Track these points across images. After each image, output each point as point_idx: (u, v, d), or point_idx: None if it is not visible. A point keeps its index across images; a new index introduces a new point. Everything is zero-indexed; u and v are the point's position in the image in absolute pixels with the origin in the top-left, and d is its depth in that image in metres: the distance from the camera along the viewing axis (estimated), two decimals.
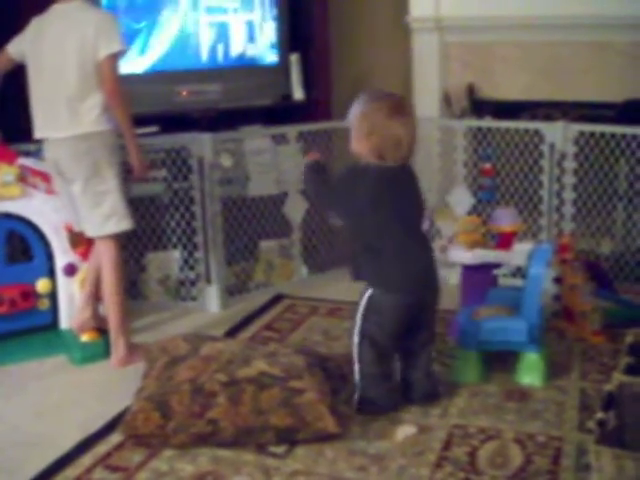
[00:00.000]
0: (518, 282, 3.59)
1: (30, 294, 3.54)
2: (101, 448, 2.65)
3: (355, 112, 2.72)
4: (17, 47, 3.34)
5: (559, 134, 3.94)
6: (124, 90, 3.29)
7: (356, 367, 2.81)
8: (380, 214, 2.73)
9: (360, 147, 2.72)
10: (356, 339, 2.79)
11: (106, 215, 3.32)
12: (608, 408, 2.45)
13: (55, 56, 3.21)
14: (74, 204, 3.39)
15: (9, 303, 3.48)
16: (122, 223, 3.36)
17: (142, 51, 4.18)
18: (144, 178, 3.63)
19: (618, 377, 2.46)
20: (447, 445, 2.61)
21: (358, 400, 2.82)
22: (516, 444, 2.59)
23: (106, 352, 3.42)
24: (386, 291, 2.76)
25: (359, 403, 2.82)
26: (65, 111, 3.23)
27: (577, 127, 3.95)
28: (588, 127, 3.95)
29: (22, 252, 3.67)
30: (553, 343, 3.29)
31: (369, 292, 2.77)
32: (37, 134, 3.34)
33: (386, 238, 2.74)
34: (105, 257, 3.37)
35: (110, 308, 3.38)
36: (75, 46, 3.19)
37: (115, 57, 3.23)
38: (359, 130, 2.70)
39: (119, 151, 3.36)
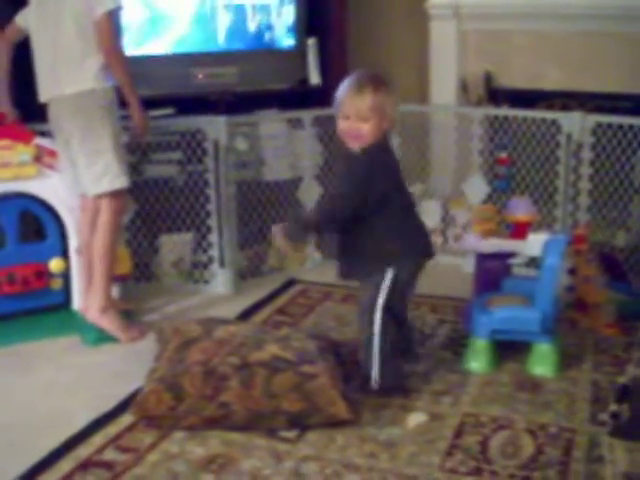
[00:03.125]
0: (532, 272, 3.57)
1: (43, 273, 3.55)
2: (112, 429, 2.65)
3: (368, 102, 2.69)
4: (23, 17, 3.41)
5: (576, 124, 3.91)
6: (122, 47, 3.39)
7: (376, 342, 2.79)
8: (400, 186, 2.85)
9: (375, 132, 2.72)
10: (379, 315, 2.78)
11: (100, 173, 3.34)
12: (622, 400, 2.45)
13: (54, 19, 3.28)
14: (74, 167, 3.41)
15: (22, 282, 3.48)
16: (116, 181, 3.38)
17: (159, 33, 4.17)
18: (143, 138, 3.67)
19: (632, 370, 2.45)
20: (458, 433, 2.60)
21: (380, 375, 2.80)
22: (527, 434, 2.59)
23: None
24: (408, 259, 2.83)
25: (382, 378, 2.80)
26: (66, 71, 3.29)
27: (594, 118, 3.93)
28: (605, 118, 3.92)
29: (35, 232, 3.67)
30: (566, 334, 3.28)
31: (391, 272, 2.78)
32: (41, 98, 3.38)
33: (406, 206, 2.86)
34: (102, 217, 3.40)
35: (97, 267, 3.42)
36: (71, 6, 3.26)
37: (110, 15, 3.28)
38: (375, 117, 2.70)
39: (117, 111, 3.38)
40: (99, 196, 3.39)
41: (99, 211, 3.41)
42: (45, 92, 3.37)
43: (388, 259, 2.80)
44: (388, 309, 2.80)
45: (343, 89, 2.75)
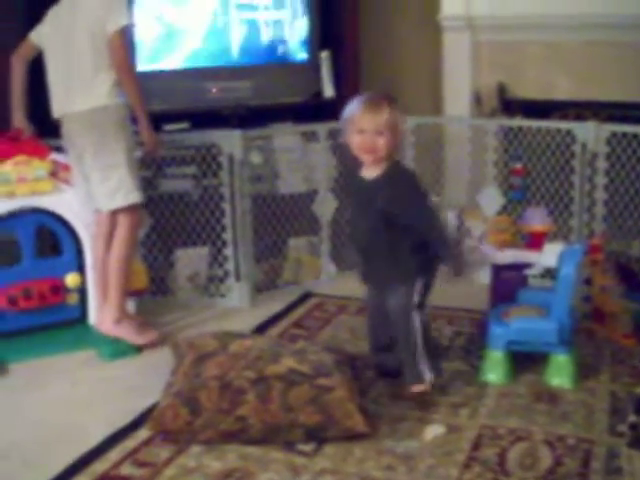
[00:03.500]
0: (548, 283, 3.56)
1: (59, 288, 3.56)
2: (129, 443, 2.65)
3: (385, 116, 2.76)
4: (37, 34, 3.46)
5: (591, 134, 3.90)
6: (133, 64, 3.45)
7: (419, 341, 2.87)
8: None
9: (389, 145, 2.78)
10: (416, 314, 2.87)
11: (114, 188, 3.36)
12: None
13: (67, 36, 3.32)
14: (87, 182, 3.43)
15: (39, 297, 3.50)
16: (130, 196, 3.40)
17: (173, 48, 4.19)
18: (155, 153, 3.67)
19: None
20: (476, 446, 2.59)
21: (430, 368, 2.88)
22: (546, 446, 2.57)
23: (136, 348, 3.44)
24: (434, 261, 2.95)
25: (431, 371, 2.89)
26: (79, 87, 3.32)
27: (609, 127, 3.92)
28: (620, 127, 3.91)
29: (52, 247, 3.68)
30: (583, 345, 3.27)
31: (419, 281, 2.88)
32: (55, 114, 3.42)
33: None
34: (118, 232, 3.43)
35: (112, 281, 3.45)
36: (84, 24, 3.30)
37: (123, 31, 3.31)
38: (390, 132, 2.77)
39: (130, 126, 3.40)
40: (114, 211, 3.41)
41: (115, 226, 3.43)
42: (58, 108, 3.40)
43: (423, 268, 2.89)
44: (420, 307, 2.89)
45: (357, 105, 2.79)
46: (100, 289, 3.53)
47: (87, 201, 3.49)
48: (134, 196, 3.41)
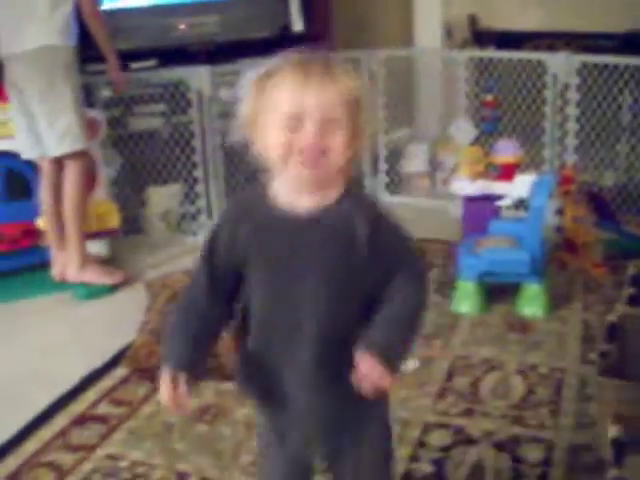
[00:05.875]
0: (520, 214, 3.57)
1: (31, 231, 3.53)
2: (106, 383, 2.67)
3: (341, 90, 1.41)
4: None
5: (562, 65, 3.89)
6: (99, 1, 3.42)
7: None
8: None
9: (349, 146, 1.42)
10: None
11: (62, 133, 3.29)
12: (611, 340, 2.46)
13: None
14: (33, 126, 3.34)
15: (11, 241, 3.48)
16: (77, 144, 3.33)
17: None
18: (123, 93, 3.65)
19: (620, 308, 2.45)
20: (450, 376, 2.62)
21: None
22: (518, 375, 2.61)
23: (109, 287, 3.43)
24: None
25: None
26: (31, 25, 3.20)
27: (580, 57, 3.90)
28: (591, 58, 3.89)
29: (22, 191, 3.64)
30: (555, 275, 3.29)
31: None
32: (2, 50, 3.28)
33: None
34: (68, 178, 3.38)
35: (69, 227, 3.41)
36: None
37: None
38: (350, 119, 1.42)
39: (77, 71, 3.32)
40: (61, 158, 3.35)
41: (60, 174, 3.38)
42: (6, 45, 3.26)
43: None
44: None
45: (283, 71, 1.41)
46: (54, 238, 3.48)
47: (33, 149, 3.39)
48: (81, 144, 3.35)
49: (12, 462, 2.28)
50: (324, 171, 1.41)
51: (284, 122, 1.40)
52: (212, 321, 1.53)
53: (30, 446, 2.34)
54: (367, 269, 1.46)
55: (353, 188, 1.50)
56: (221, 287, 1.50)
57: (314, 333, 1.45)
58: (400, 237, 1.54)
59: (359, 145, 1.45)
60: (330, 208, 1.45)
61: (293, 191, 1.45)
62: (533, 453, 2.19)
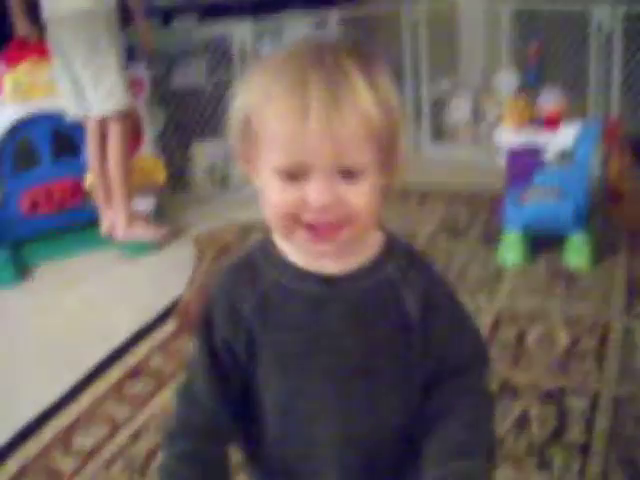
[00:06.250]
0: (565, 164, 3.54)
1: (79, 189, 3.59)
2: (157, 336, 2.72)
3: (386, 114, 0.98)
4: None
5: (606, 15, 3.84)
6: None
7: None
8: None
9: (378, 196, 1.03)
10: None
11: (106, 93, 3.33)
12: None
13: None
14: (78, 87, 3.38)
15: (59, 199, 3.54)
16: (121, 103, 3.37)
17: None
18: (150, 47, 3.66)
19: None
20: (494, 327, 2.63)
21: None
22: (563, 325, 2.61)
23: (157, 244, 3.49)
24: None
25: None
26: None
27: (624, 8, 3.84)
28: (635, 7, 3.83)
29: (69, 149, 3.69)
30: (599, 226, 3.28)
31: None
32: (45, 13, 3.32)
33: None
34: (111, 138, 3.41)
35: (115, 188, 3.45)
36: None
37: None
38: (376, 155, 0.99)
39: (119, 31, 3.34)
40: (105, 118, 3.39)
41: (105, 134, 3.42)
42: (46, 9, 3.31)
43: None
44: None
45: (268, 98, 0.97)
46: (102, 196, 3.54)
47: (77, 109, 3.44)
48: (125, 103, 3.38)
49: (66, 417, 2.32)
50: (345, 241, 1.01)
51: (279, 175, 0.97)
52: (223, 426, 1.12)
53: (85, 399, 2.40)
54: (416, 357, 1.09)
55: (395, 240, 1.11)
56: (226, 375, 1.10)
57: (345, 450, 1.09)
58: (461, 318, 1.15)
59: (395, 172, 1.03)
60: (364, 274, 1.07)
61: (308, 256, 1.07)
62: (578, 403, 2.21)
